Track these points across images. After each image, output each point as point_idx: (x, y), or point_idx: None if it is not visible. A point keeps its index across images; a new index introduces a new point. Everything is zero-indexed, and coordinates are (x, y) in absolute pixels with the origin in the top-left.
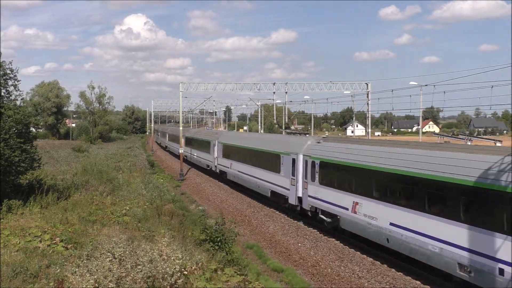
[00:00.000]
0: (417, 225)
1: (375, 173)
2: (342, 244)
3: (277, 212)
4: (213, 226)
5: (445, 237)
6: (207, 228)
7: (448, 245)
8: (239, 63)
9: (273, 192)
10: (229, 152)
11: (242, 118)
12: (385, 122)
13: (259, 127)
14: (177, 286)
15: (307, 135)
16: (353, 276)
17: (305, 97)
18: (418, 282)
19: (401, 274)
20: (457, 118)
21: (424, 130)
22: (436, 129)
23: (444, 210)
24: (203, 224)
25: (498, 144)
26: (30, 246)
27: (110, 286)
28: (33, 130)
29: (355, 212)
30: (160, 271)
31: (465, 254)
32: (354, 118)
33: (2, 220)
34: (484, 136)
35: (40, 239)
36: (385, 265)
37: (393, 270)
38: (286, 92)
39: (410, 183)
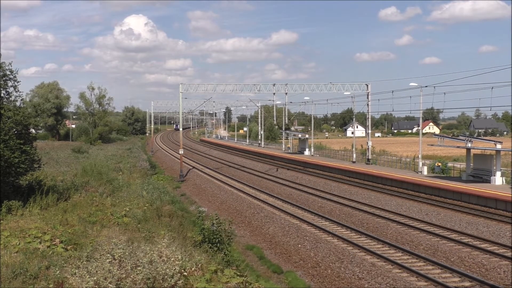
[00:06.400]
0: None
1: None
2: (342, 245)
3: (277, 213)
4: (210, 227)
5: None
6: (204, 229)
7: None
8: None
9: None
10: None
11: (242, 119)
12: (385, 123)
13: (259, 128)
14: (177, 287)
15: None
16: (353, 277)
17: (305, 98)
18: (419, 284)
19: (401, 275)
20: (457, 119)
21: (424, 131)
22: (436, 130)
23: None
24: (201, 225)
25: (498, 145)
26: (30, 247)
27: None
28: (33, 131)
29: None
30: (160, 272)
31: None
32: (354, 119)
33: (2, 221)
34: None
35: (40, 240)
36: (385, 267)
37: (393, 271)
38: (286, 93)
39: None
